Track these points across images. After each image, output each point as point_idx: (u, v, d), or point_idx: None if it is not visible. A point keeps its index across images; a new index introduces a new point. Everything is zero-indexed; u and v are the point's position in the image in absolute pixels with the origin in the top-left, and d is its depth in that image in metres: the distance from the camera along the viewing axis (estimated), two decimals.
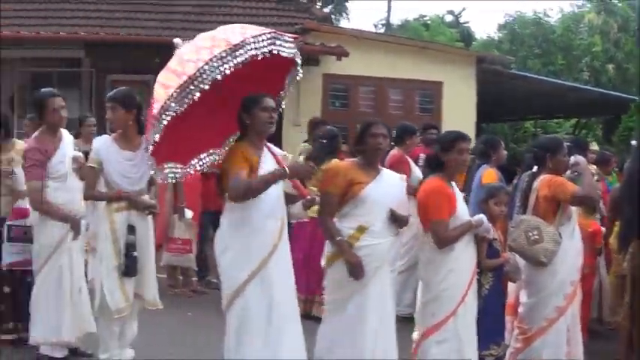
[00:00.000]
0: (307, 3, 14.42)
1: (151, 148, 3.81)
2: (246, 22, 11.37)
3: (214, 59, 3.66)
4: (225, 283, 4.10)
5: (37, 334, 4.90)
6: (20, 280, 5.20)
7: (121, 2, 12.92)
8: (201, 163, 4.29)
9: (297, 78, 4.27)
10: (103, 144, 4.74)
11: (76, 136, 5.81)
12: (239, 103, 4.10)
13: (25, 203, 5.17)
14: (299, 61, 4.17)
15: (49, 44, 11.40)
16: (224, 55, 3.68)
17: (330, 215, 4.23)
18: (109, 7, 12.78)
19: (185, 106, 3.67)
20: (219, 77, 3.65)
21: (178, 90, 3.64)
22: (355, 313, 4.12)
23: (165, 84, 3.77)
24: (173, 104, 3.65)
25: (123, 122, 4.69)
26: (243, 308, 4.01)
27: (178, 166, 4.16)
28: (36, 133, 4.95)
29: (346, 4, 31.21)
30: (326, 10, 22.88)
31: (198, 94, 3.65)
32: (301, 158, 6.85)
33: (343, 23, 28.63)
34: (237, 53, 3.70)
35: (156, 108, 3.72)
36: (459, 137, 4.33)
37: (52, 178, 4.82)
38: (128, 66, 11.31)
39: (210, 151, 4.34)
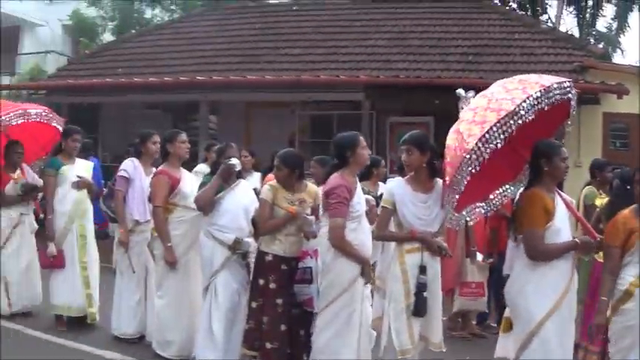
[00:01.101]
0: (584, 40, 14.82)
1: (456, 197, 4.30)
2: (523, 61, 12.39)
3: (531, 98, 4.10)
4: (522, 322, 4.49)
5: None
6: (299, 317, 5.51)
7: (398, 45, 13.93)
8: (499, 198, 4.75)
9: (571, 121, 4.63)
10: (396, 185, 5.11)
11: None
12: (519, 140, 4.42)
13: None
14: (574, 104, 4.50)
15: (329, 87, 12.53)
16: (539, 95, 4.12)
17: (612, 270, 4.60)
18: (387, 49, 13.79)
19: (503, 140, 4.08)
20: (545, 108, 4.12)
21: (498, 125, 4.05)
22: None
23: (468, 131, 4.19)
24: (491, 141, 4.06)
25: (417, 164, 5.04)
26: (542, 343, 4.36)
27: (479, 204, 4.61)
28: (338, 173, 5.20)
29: (620, 39, 30.61)
30: (600, 46, 22.92)
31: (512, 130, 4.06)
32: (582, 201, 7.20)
33: (617, 59, 28.33)
34: (550, 94, 4.15)
35: (453, 157, 4.21)
36: None
37: (351, 217, 5.14)
38: (408, 108, 12.18)
39: (506, 186, 4.80)
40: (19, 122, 7.39)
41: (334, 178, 5.17)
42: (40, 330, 7.12)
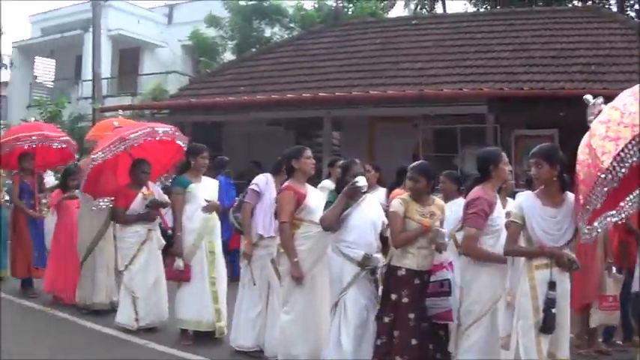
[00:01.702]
0: None
1: (589, 209, 4.30)
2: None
3: None
4: None
5: None
6: (429, 331, 5.61)
7: (520, 56, 13.96)
8: (629, 205, 4.67)
9: None
10: (526, 199, 5.14)
11: None
12: None
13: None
14: None
15: (452, 101, 12.77)
16: None
17: None
18: (509, 61, 13.83)
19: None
20: None
21: (633, 142, 4.03)
22: None
23: (602, 148, 4.20)
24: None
25: (547, 178, 5.05)
26: None
27: (610, 213, 4.57)
28: (480, 186, 5.45)
29: None
30: None
31: None
32: None
33: None
34: None
35: (587, 175, 4.25)
36: None
37: (490, 232, 5.34)
38: (531, 120, 12.18)
39: (635, 192, 4.71)
40: (148, 140, 7.86)
41: (476, 191, 5.42)
42: (165, 344, 7.39)
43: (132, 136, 7.80)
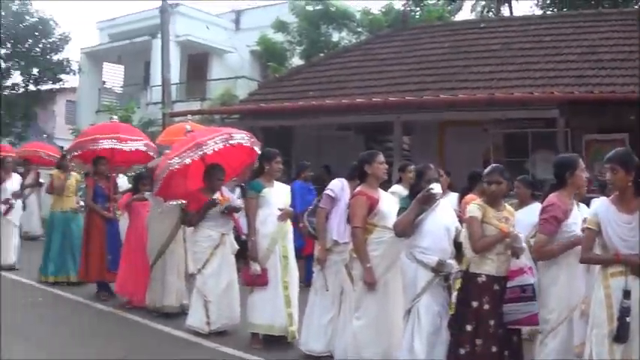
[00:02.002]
0: None
1: None
2: None
3: None
4: None
5: None
6: (504, 337, 5.68)
7: (589, 59, 13.89)
8: None
9: None
10: (601, 205, 5.12)
11: None
12: None
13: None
14: None
15: (522, 105, 12.68)
16: None
17: None
18: (579, 64, 13.78)
19: None
20: None
21: None
22: None
23: None
24: None
25: (622, 184, 5.05)
26: None
27: None
28: (555, 193, 5.61)
29: None
30: None
31: None
32: None
33: None
34: None
35: None
36: None
37: (564, 238, 5.49)
38: (602, 124, 12.18)
39: None
40: (227, 145, 7.95)
41: (551, 197, 5.55)
42: (235, 348, 7.54)
43: (209, 142, 7.94)
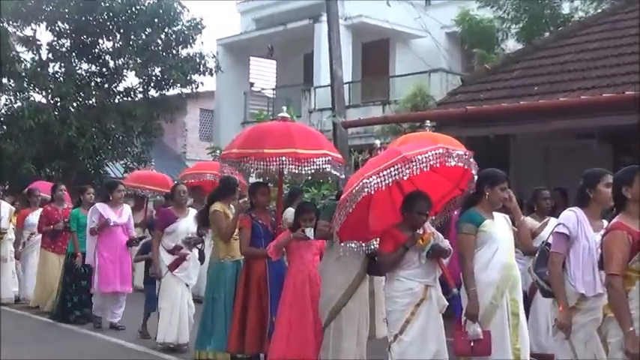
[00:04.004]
0: None
1: None
2: None
3: None
4: None
5: None
6: None
7: None
8: None
9: None
10: None
11: None
12: None
13: None
14: None
15: None
16: None
17: None
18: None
19: None
20: None
21: None
22: None
23: None
24: None
25: None
26: None
27: None
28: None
29: None
30: None
31: None
32: None
33: None
34: None
35: None
36: None
37: None
38: None
39: None
40: (440, 163, 7.62)
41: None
42: None
43: (419, 157, 7.55)
